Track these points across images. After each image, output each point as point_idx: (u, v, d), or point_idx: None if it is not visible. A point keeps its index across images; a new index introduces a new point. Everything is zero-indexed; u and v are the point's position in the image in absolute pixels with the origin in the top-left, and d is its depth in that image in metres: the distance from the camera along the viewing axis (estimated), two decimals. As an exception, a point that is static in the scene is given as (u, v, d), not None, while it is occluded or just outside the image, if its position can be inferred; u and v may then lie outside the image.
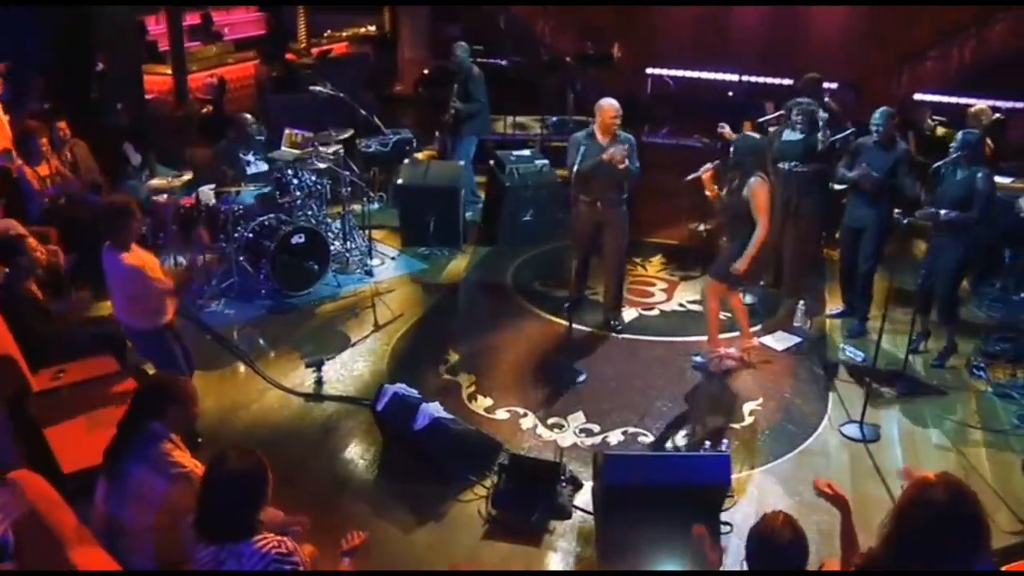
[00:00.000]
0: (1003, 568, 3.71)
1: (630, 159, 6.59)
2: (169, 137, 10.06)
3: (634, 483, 4.94)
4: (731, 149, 6.25)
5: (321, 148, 7.89)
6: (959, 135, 6.42)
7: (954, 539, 2.96)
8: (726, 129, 7.35)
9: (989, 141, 8.54)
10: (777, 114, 7.46)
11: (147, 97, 10.63)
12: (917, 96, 12.29)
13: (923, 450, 5.80)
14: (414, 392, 5.57)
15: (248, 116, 8.20)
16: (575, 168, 6.61)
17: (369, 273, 8.03)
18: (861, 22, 13.03)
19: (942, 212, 6.25)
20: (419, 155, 10.00)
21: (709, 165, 6.35)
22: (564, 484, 5.13)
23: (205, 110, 10.15)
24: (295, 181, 7.70)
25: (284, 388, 6.25)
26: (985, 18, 12.41)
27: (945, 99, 11.92)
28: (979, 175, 6.22)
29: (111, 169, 8.33)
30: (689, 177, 6.53)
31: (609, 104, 6.66)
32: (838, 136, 7.06)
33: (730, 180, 6.29)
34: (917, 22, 12.71)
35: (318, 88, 8.35)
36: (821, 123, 6.94)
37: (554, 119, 11.05)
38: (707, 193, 6.43)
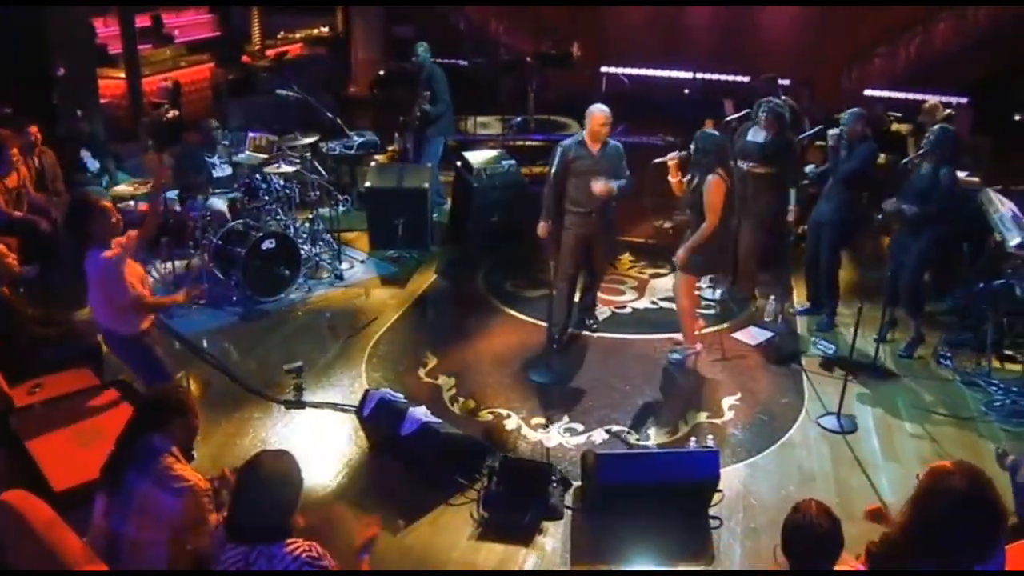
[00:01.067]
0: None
1: (618, 167, 6.60)
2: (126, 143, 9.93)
3: (627, 482, 5.00)
4: (692, 146, 6.30)
5: (288, 152, 7.79)
6: (934, 130, 6.56)
7: (972, 526, 3.04)
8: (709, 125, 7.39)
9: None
10: (742, 113, 7.57)
11: (101, 102, 10.42)
12: (867, 92, 12.61)
13: (899, 439, 5.94)
14: (400, 397, 5.55)
15: (212, 121, 8.07)
16: (554, 176, 6.45)
17: (339, 277, 7.97)
18: (810, 21, 13.32)
19: (905, 207, 6.41)
20: (379, 157, 9.96)
21: (675, 153, 6.41)
22: (555, 484, 5.15)
23: (172, 114, 9.96)
24: (264, 186, 7.60)
25: (265, 396, 6.16)
26: (929, 17, 12.77)
27: (893, 95, 12.22)
28: (942, 171, 6.37)
29: (67, 177, 8.12)
30: (656, 160, 6.56)
31: (600, 111, 6.51)
32: (806, 135, 7.19)
33: (692, 176, 6.36)
34: (863, 22, 13.04)
35: (284, 92, 8.24)
36: (787, 123, 7.07)
37: (518, 119, 11.08)
38: (670, 179, 6.48)
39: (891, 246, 6.78)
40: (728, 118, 7.57)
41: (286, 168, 7.85)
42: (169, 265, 7.53)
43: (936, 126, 6.59)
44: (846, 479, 5.50)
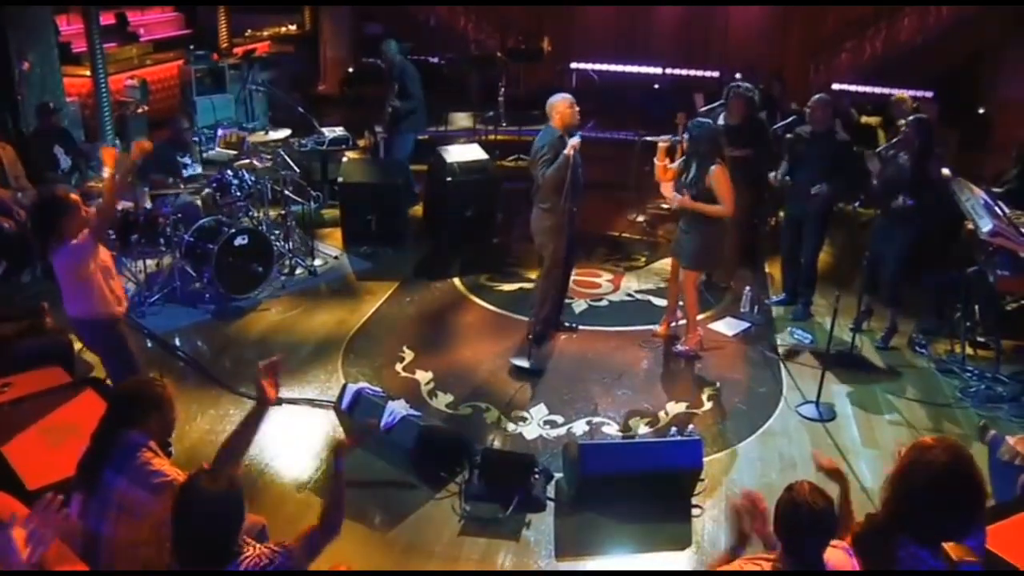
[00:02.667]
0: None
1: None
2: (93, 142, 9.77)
3: (610, 471, 4.98)
4: (687, 136, 6.29)
5: (259, 148, 7.70)
6: (911, 122, 6.61)
7: (954, 500, 3.05)
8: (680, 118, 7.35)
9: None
10: (717, 104, 7.58)
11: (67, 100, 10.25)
12: (835, 86, 12.71)
13: (877, 426, 5.97)
14: (379, 391, 5.49)
15: (183, 118, 7.96)
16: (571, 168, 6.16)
17: (313, 273, 7.88)
18: (776, 16, 13.42)
19: (901, 199, 6.43)
20: (351, 153, 9.87)
21: (667, 136, 6.40)
22: (537, 476, 5.12)
23: (140, 109, 9.81)
24: (235, 182, 7.49)
25: (240, 392, 6.07)
26: (892, 12, 12.92)
27: (860, 89, 12.34)
28: (929, 164, 6.40)
29: (37, 174, 7.96)
30: (648, 138, 6.54)
31: (565, 96, 6.40)
32: (781, 124, 7.22)
33: (685, 167, 6.35)
34: (826, 16, 13.18)
35: (253, 86, 8.14)
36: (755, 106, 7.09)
37: (490, 114, 11.05)
38: (656, 161, 6.46)
39: (872, 235, 6.80)
40: (700, 109, 7.57)
41: (257, 164, 7.74)
42: (140, 264, 7.36)
43: (911, 118, 6.63)
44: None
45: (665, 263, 7.83)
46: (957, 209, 6.69)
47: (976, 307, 6.84)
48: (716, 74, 12.41)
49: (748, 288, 7.49)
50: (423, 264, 8.32)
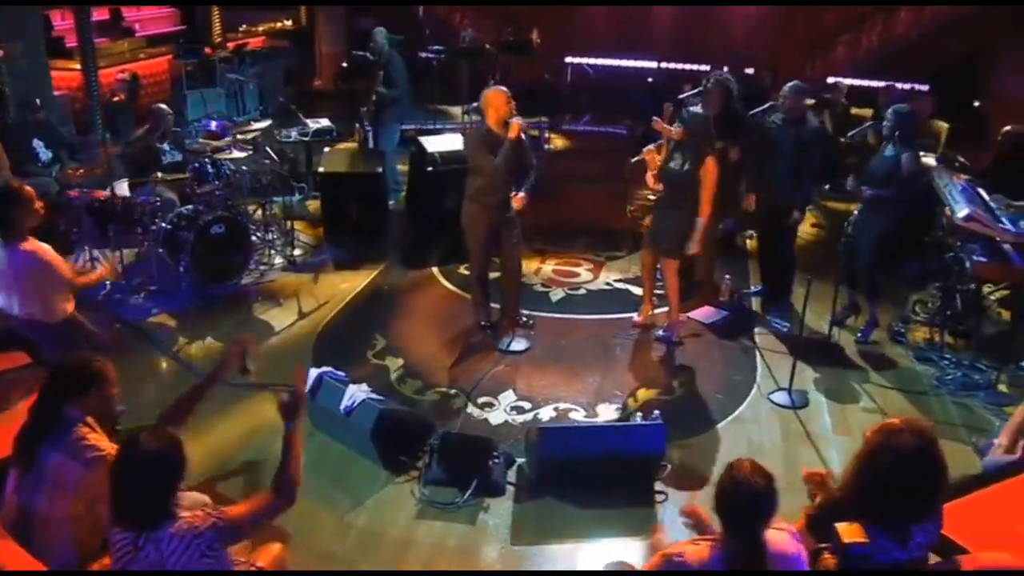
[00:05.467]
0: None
1: (527, 154, 6.47)
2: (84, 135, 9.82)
3: (570, 455, 4.94)
4: (679, 126, 6.23)
5: (239, 137, 7.69)
6: (890, 113, 6.54)
7: (920, 484, 3.01)
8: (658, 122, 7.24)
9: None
10: (696, 90, 7.51)
11: (56, 94, 10.29)
12: (830, 80, 12.61)
13: (850, 414, 5.91)
14: (341, 374, 5.46)
15: (164, 107, 7.96)
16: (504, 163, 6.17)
17: (292, 263, 7.87)
18: (773, 10, 13.34)
19: (863, 189, 6.37)
20: (340, 147, 9.87)
21: (651, 146, 6.36)
22: (497, 460, 5.07)
23: (117, 98, 9.83)
24: (212, 171, 7.48)
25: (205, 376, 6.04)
26: (888, 7, 12.83)
27: (858, 82, 12.25)
28: (904, 155, 6.32)
29: (17, 166, 7.97)
30: (634, 159, 6.48)
31: (501, 89, 6.33)
32: (758, 110, 7.15)
33: (676, 155, 6.28)
34: (824, 10, 13.09)
35: (232, 76, 8.14)
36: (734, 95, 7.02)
37: (474, 105, 10.99)
38: (648, 177, 6.41)
39: (852, 224, 6.72)
40: (681, 95, 7.49)
41: (237, 154, 7.74)
42: (118, 254, 7.35)
43: (891, 108, 6.55)
44: (795, 452, 5.45)
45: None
46: (935, 198, 6.62)
47: (957, 295, 6.78)
48: (709, 68, 12.32)
49: (727, 277, 7.43)
50: (403, 254, 8.28)
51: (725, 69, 8.25)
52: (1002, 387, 6.14)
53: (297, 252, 8.09)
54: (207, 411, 5.63)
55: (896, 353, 6.69)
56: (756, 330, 6.96)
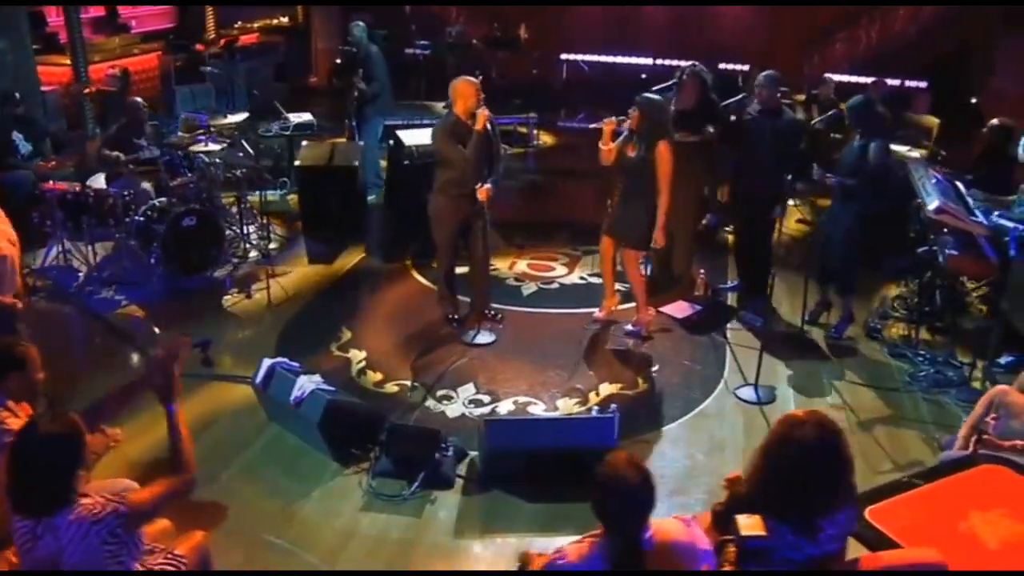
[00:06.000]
0: (868, 508, 3.68)
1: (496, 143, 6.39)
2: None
3: (517, 447, 4.87)
4: (631, 111, 6.15)
5: (212, 130, 7.67)
6: (850, 103, 6.46)
7: (821, 477, 2.93)
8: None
9: (885, 110, 8.72)
10: (670, 83, 7.42)
11: (46, 88, 10.33)
12: (827, 76, 12.48)
13: (816, 409, 5.78)
14: (294, 365, 5.41)
15: (139, 100, 7.96)
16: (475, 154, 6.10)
17: (267, 256, 7.83)
18: (767, 8, 13.21)
19: (828, 177, 6.27)
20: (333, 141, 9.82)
21: (611, 118, 6.26)
22: (448, 453, 5.00)
23: (88, 90, 9.84)
24: (185, 163, 7.46)
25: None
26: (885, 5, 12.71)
27: (855, 79, 12.12)
28: (872, 144, 6.21)
29: (-1, 159, 8.00)
30: (591, 126, 6.40)
31: (469, 78, 6.28)
32: (730, 101, 7.05)
33: (634, 145, 6.19)
34: (817, 12, 12.96)
35: (208, 69, 8.12)
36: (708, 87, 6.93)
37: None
38: (602, 145, 6.32)
39: (823, 218, 6.62)
40: (657, 87, 7.39)
41: (213, 147, 7.71)
42: (91, 248, 7.34)
43: (856, 97, 6.45)
44: (755, 448, 5.33)
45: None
46: (909, 190, 6.50)
47: (936, 290, 6.67)
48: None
49: (701, 272, 7.33)
50: (378, 247, 8.24)
51: (696, 63, 8.04)
52: (976, 384, 6.01)
53: (272, 245, 8.08)
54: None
55: (870, 349, 6.57)
56: (729, 325, 6.85)
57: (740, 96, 7.26)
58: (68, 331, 6.76)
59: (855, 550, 3.46)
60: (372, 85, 8.98)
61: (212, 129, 7.79)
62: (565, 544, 3.02)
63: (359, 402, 5.38)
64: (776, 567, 2.93)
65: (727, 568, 2.86)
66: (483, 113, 6.06)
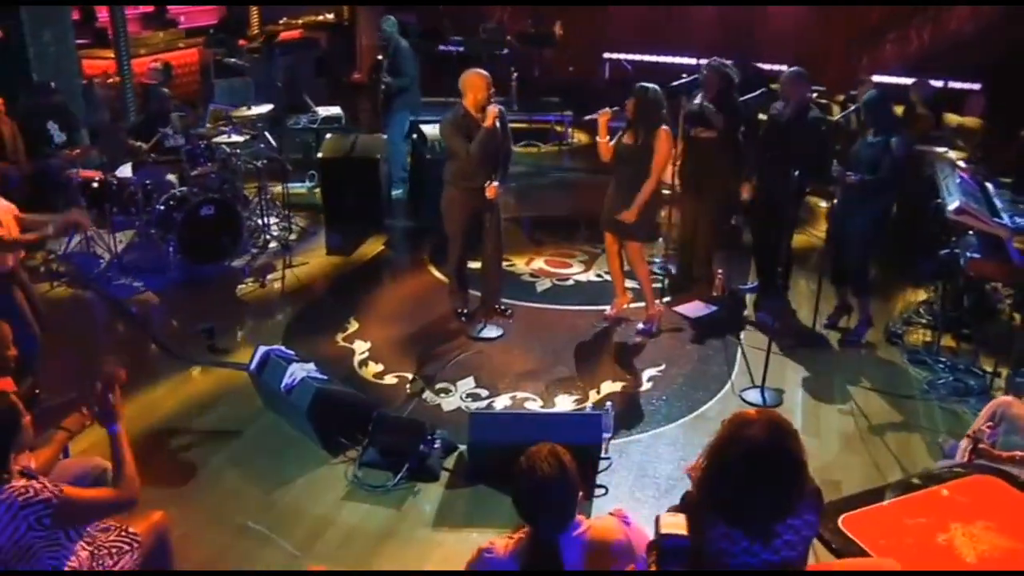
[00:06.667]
0: (843, 515, 3.52)
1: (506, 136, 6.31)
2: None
3: (499, 441, 4.76)
4: (630, 101, 6.03)
5: (235, 121, 7.75)
6: (864, 99, 6.25)
7: (768, 480, 2.78)
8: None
9: (926, 111, 8.45)
10: (691, 78, 7.26)
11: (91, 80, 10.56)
12: (875, 78, 12.13)
13: (824, 414, 5.61)
14: (289, 353, 5.41)
15: (165, 90, 8.09)
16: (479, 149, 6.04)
17: (285, 247, 7.87)
18: (816, 7, 12.90)
19: (849, 174, 6.05)
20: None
21: (606, 109, 6.14)
22: (435, 446, 4.94)
23: (111, 81, 10.02)
24: (206, 153, 7.53)
25: (170, 352, 6.10)
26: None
27: (906, 81, 11.73)
28: (893, 140, 6.00)
29: (32, 148, 8.18)
30: (587, 118, 6.30)
31: (482, 72, 6.20)
32: (750, 96, 6.88)
33: (633, 133, 6.08)
34: (868, 12, 12.59)
35: (233, 61, 8.21)
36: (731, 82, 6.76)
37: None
38: (598, 139, 6.21)
39: (834, 217, 6.41)
40: (674, 83, 7.25)
41: (236, 138, 7.79)
42: (114, 235, 7.46)
43: (871, 92, 6.23)
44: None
45: (649, 247, 7.54)
46: (934, 190, 6.27)
47: (964, 295, 6.41)
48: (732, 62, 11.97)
49: (719, 272, 7.16)
50: (398, 241, 8.25)
51: (715, 58, 7.84)
52: (997, 393, 5.74)
53: (293, 236, 8.12)
54: (163, 385, 5.77)
55: (889, 354, 6.34)
56: (744, 326, 6.68)
57: (759, 91, 7.07)
58: (87, 315, 6.86)
59: (825, 559, 3.33)
60: (399, 79, 8.98)
61: (234, 120, 7.84)
62: (498, 538, 2.93)
63: (348, 391, 5.35)
64: (734, 571, 2.81)
65: (653, 568, 2.74)
66: (493, 110, 5.99)
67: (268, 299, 7.08)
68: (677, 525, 2.68)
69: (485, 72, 6.22)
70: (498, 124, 6.05)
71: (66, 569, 3.18)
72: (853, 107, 6.10)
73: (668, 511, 2.93)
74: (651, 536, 2.94)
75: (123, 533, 3.46)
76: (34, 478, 3.08)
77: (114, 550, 3.39)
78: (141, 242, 7.48)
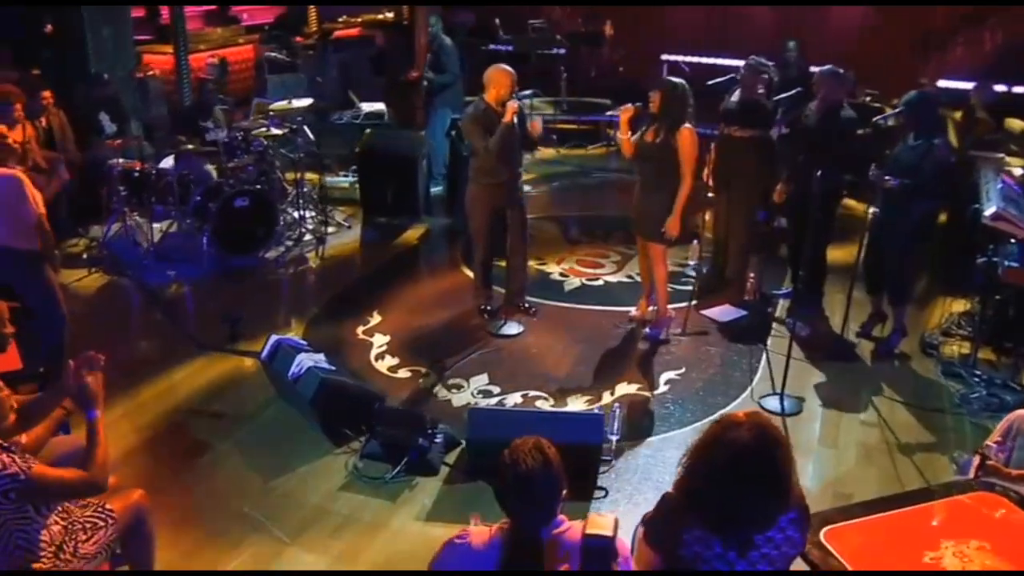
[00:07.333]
0: (827, 528, 3.37)
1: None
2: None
3: (497, 438, 4.68)
4: (655, 95, 5.91)
5: (273, 115, 7.86)
6: (906, 98, 6.01)
7: (751, 485, 2.68)
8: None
9: (986, 115, 8.13)
10: (728, 76, 7.10)
11: (149, 74, 10.82)
12: (941, 83, 11.72)
13: (844, 424, 5.42)
14: (301, 342, 5.45)
15: (208, 84, 8.23)
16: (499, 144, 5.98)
17: (321, 240, 7.94)
18: (879, 9, 12.52)
19: (888, 179, 5.83)
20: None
21: (628, 105, 6.03)
22: (436, 440, 4.92)
23: (151, 74, 10.23)
24: (242, 146, 7.64)
25: (193, 339, 6.19)
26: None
27: (950, 84, 11.34)
28: (935, 142, 5.77)
29: (81, 138, 8.41)
30: (608, 114, 6.19)
31: (506, 71, 6.10)
32: (783, 96, 6.69)
33: (655, 130, 5.96)
34: (934, 14, 12.16)
35: (273, 54, 8.32)
36: (769, 83, 6.60)
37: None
38: (619, 136, 6.10)
39: (872, 224, 6.19)
40: (711, 82, 7.07)
41: (275, 131, 7.90)
42: (151, 225, 7.62)
43: (911, 92, 5.99)
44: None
45: (684, 249, 7.43)
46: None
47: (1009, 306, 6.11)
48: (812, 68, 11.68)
49: (751, 276, 6.98)
50: (432, 237, 8.26)
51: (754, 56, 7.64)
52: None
53: (330, 230, 8.18)
54: (182, 370, 5.87)
55: (923, 366, 6.10)
56: (772, 332, 6.49)
57: (794, 91, 6.87)
58: (119, 301, 7.02)
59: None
60: (442, 76, 9.01)
61: (272, 113, 7.94)
62: (473, 526, 2.85)
63: (354, 383, 5.35)
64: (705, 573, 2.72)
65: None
66: (512, 106, 5.94)
67: (296, 291, 7.17)
68: (603, 525, 2.59)
69: (510, 68, 6.17)
70: (516, 120, 5.99)
71: (41, 542, 3.23)
72: (895, 109, 5.84)
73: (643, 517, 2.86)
74: (629, 546, 2.86)
75: (99, 509, 3.49)
76: (6, 451, 3.13)
77: (88, 525, 3.43)
78: (178, 232, 7.60)
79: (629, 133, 6.03)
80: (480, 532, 2.73)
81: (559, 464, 2.68)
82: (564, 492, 2.71)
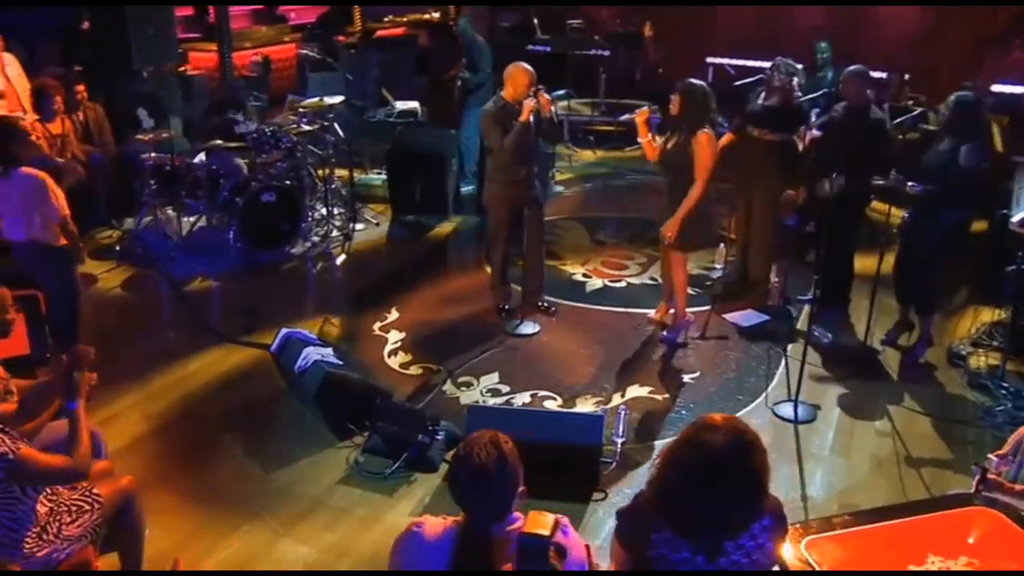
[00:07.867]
0: (808, 538, 3.27)
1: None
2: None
3: (495, 436, 4.69)
4: (675, 97, 5.81)
5: (302, 110, 7.93)
6: (949, 102, 5.82)
7: (721, 486, 2.61)
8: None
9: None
10: (756, 78, 6.97)
11: (194, 72, 11.01)
12: (996, 88, 11.37)
13: (859, 433, 5.29)
14: (311, 336, 5.49)
15: (240, 80, 8.34)
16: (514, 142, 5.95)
17: (348, 237, 7.99)
18: (932, 12, 12.18)
19: (910, 185, 5.66)
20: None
21: (645, 107, 5.94)
22: (438, 436, 4.90)
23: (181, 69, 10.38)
24: (271, 141, 7.71)
25: (211, 331, 6.27)
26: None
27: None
28: (963, 147, 5.59)
29: (119, 132, 8.59)
30: (622, 118, 6.12)
31: (525, 69, 6.04)
32: (807, 97, 6.55)
33: (674, 135, 5.87)
34: (994, 16, 11.77)
35: (305, 52, 8.40)
36: (796, 86, 6.47)
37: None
38: (640, 139, 6.02)
39: (901, 230, 6.02)
40: (738, 82, 6.95)
41: (305, 127, 7.98)
42: (185, 221, 7.75)
43: (952, 97, 5.80)
44: (774, 469, 4.90)
45: (710, 252, 7.32)
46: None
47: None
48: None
49: (775, 280, 6.84)
50: (459, 236, 8.26)
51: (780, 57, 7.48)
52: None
53: (359, 227, 8.22)
54: (196, 361, 5.94)
55: (948, 377, 5.91)
56: (794, 338, 6.35)
57: (822, 92, 6.71)
58: (145, 294, 7.14)
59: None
60: (475, 76, 9.01)
61: (303, 110, 8.02)
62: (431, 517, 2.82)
63: (359, 377, 5.35)
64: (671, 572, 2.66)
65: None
66: (529, 104, 5.91)
67: (318, 286, 7.23)
68: (542, 524, 2.54)
69: (529, 67, 6.13)
70: (533, 119, 5.95)
71: (26, 522, 3.29)
72: (919, 110, 5.68)
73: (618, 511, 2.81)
74: (583, 549, 2.80)
75: (87, 493, 3.54)
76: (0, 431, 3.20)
77: (74, 508, 3.48)
78: (207, 226, 7.71)
79: (649, 136, 5.93)
80: (435, 524, 2.69)
81: (515, 460, 2.64)
82: (520, 489, 2.66)
